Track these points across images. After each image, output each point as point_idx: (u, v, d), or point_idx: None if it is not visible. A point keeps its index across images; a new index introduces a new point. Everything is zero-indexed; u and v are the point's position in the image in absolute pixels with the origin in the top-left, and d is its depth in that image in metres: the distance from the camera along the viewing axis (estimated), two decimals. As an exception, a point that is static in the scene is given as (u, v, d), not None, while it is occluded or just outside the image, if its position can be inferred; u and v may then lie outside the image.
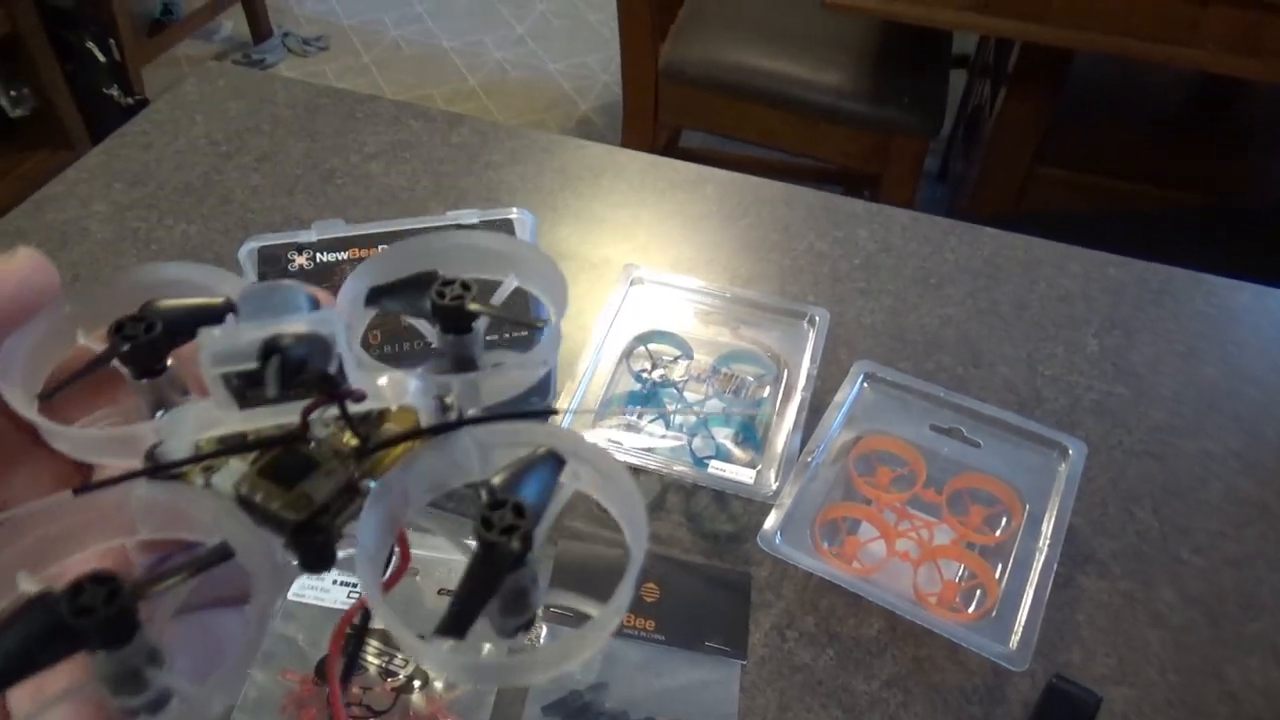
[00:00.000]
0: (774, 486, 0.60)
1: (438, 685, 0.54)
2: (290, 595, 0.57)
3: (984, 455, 0.63)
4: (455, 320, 0.21)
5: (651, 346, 0.70)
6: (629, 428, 0.65)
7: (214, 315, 0.20)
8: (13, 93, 1.93)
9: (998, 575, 0.58)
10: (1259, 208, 1.65)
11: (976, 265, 0.80)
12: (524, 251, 0.23)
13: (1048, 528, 0.59)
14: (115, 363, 0.20)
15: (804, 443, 0.63)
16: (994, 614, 0.56)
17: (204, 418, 0.19)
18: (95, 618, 0.15)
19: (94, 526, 0.18)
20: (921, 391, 0.66)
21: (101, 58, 2.02)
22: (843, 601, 0.59)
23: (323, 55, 2.60)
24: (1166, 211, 1.60)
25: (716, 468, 0.62)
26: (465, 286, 0.21)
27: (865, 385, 0.67)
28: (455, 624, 0.16)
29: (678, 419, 0.65)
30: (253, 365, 0.18)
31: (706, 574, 0.60)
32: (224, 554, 0.17)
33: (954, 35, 1.74)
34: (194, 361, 0.18)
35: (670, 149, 1.86)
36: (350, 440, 0.19)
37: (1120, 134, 1.80)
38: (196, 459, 0.19)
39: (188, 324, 0.19)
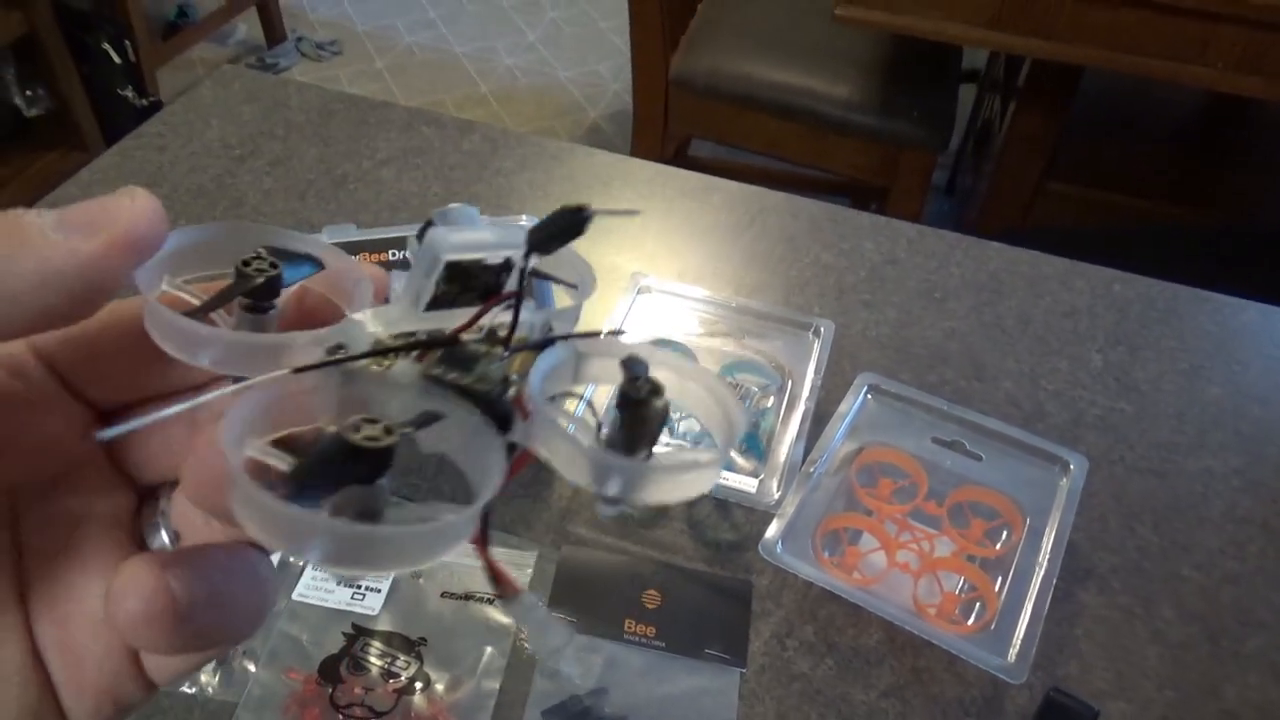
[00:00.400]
0: (776, 496, 0.61)
1: (439, 687, 0.55)
2: (295, 595, 0.58)
3: (985, 468, 0.64)
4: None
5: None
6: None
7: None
8: (28, 93, 1.95)
9: (997, 588, 0.58)
10: (1269, 228, 1.65)
11: (982, 279, 0.80)
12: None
13: (1048, 542, 0.59)
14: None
15: (807, 453, 0.63)
16: (993, 626, 0.56)
17: (381, 318, 0.22)
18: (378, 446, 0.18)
19: (301, 407, 0.20)
20: (924, 404, 0.66)
21: (117, 59, 2.04)
22: (842, 611, 0.59)
23: (336, 60, 2.62)
24: (1176, 229, 1.60)
25: (719, 476, 0.63)
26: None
27: (868, 397, 0.67)
28: (627, 448, 0.21)
29: (681, 427, 0.66)
30: (486, 257, 0.21)
31: (708, 582, 0.60)
32: (435, 416, 0.20)
33: (964, 50, 1.75)
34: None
35: (679, 158, 1.87)
36: (493, 346, 0.22)
37: (1130, 151, 1.80)
38: (404, 346, 0.21)
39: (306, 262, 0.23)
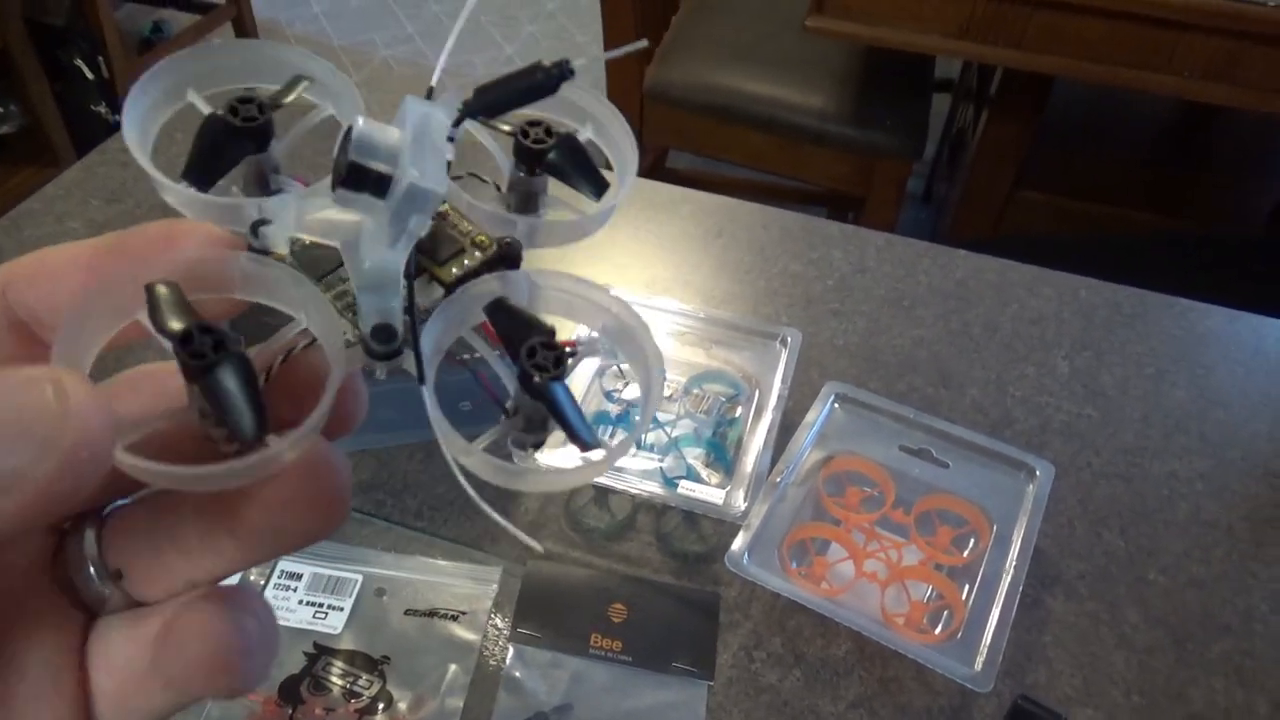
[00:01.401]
0: (743, 507, 0.60)
1: (401, 706, 0.54)
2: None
3: (953, 476, 0.64)
4: (532, 161, 0.22)
5: (624, 366, 0.70)
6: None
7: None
8: (0, 110, 1.94)
9: (965, 596, 0.58)
10: (1239, 236, 1.67)
11: (949, 287, 0.81)
12: (604, 111, 0.25)
13: (1015, 549, 0.59)
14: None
15: (774, 463, 0.63)
16: (960, 635, 0.56)
17: (307, 204, 0.21)
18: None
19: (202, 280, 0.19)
20: (891, 412, 0.66)
21: (90, 75, 2.03)
22: (810, 622, 0.59)
23: (312, 74, 2.61)
24: (1146, 237, 1.61)
25: (686, 488, 0.63)
26: (549, 133, 0.22)
27: (836, 406, 0.67)
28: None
29: (649, 439, 0.66)
30: (384, 168, 0.19)
31: (675, 594, 0.60)
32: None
33: (937, 59, 1.76)
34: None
35: (657, 169, 1.87)
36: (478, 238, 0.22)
37: (1100, 159, 1.82)
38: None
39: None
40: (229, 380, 0.17)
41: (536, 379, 0.20)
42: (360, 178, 0.19)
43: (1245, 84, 1.26)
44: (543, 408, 0.20)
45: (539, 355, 0.20)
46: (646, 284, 0.79)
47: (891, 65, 1.65)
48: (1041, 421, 0.71)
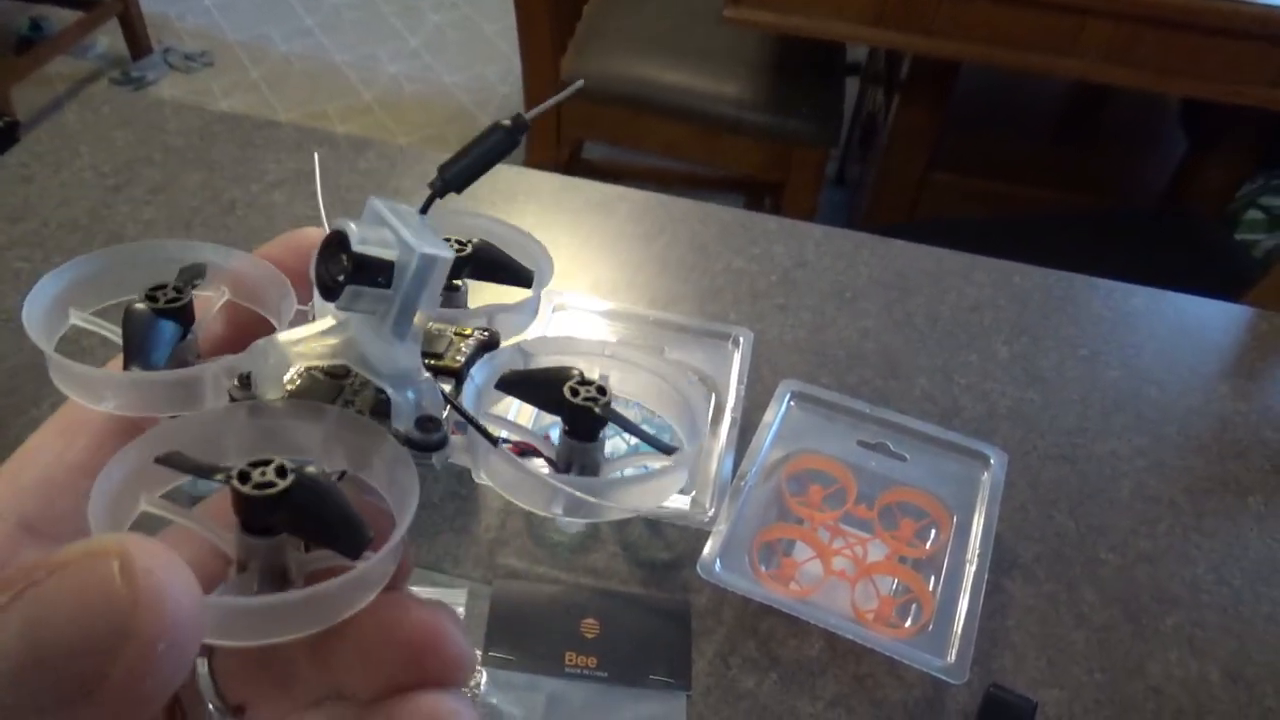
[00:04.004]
0: (710, 512, 0.60)
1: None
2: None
3: (911, 468, 0.65)
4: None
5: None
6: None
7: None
8: None
9: (931, 588, 0.59)
10: (1137, 209, 1.74)
11: (889, 278, 0.82)
12: (510, 234, 0.26)
13: (975, 538, 0.61)
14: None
15: (736, 465, 0.63)
16: (930, 628, 0.57)
17: (293, 335, 0.20)
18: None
19: (208, 447, 0.19)
20: (847, 408, 0.67)
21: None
22: (782, 624, 0.59)
23: (208, 72, 2.50)
24: (1055, 215, 1.67)
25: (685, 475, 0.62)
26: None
27: (792, 404, 0.67)
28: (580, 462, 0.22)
29: (608, 447, 0.65)
30: (388, 254, 0.19)
31: (646, 605, 0.59)
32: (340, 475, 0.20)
33: (847, 45, 1.79)
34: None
35: (573, 161, 1.85)
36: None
37: (1008, 140, 1.87)
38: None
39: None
40: (319, 500, 0.17)
41: (598, 409, 0.21)
42: (367, 269, 0.18)
43: (1143, 65, 1.31)
44: (593, 449, 0.22)
45: (583, 392, 0.21)
46: (591, 287, 0.78)
47: (804, 53, 1.67)
48: (988, 408, 0.72)
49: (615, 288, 0.78)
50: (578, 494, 0.20)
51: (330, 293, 0.19)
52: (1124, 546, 0.65)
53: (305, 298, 0.22)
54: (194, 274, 0.21)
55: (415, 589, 0.58)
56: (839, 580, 0.60)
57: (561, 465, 0.21)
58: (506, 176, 0.87)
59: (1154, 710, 0.57)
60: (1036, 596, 0.62)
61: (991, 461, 0.64)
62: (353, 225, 0.19)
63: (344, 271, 0.18)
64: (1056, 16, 1.28)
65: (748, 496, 0.62)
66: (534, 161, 1.68)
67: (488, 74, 2.57)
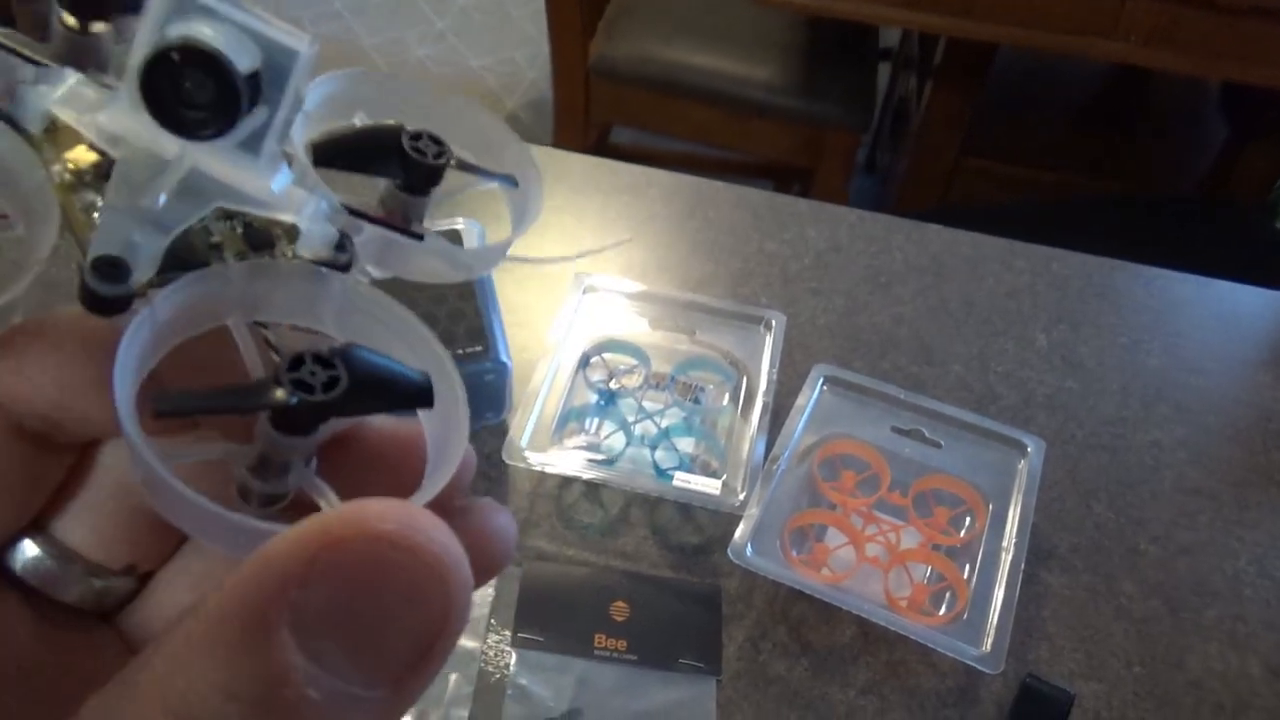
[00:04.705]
0: (741, 496, 0.59)
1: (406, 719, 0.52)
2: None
3: (945, 455, 0.63)
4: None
5: (607, 356, 0.68)
6: (589, 442, 0.63)
7: None
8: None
9: (966, 576, 0.58)
10: (1177, 196, 1.71)
11: (924, 263, 0.80)
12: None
13: (1012, 526, 0.60)
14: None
15: (768, 449, 0.62)
16: (965, 616, 0.56)
17: (84, 97, 0.15)
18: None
19: (195, 318, 0.16)
20: (880, 393, 0.66)
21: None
22: (814, 610, 0.58)
23: (236, 54, 2.51)
24: (1090, 201, 1.64)
25: (681, 479, 0.61)
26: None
27: (825, 388, 0.66)
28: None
29: (638, 430, 0.64)
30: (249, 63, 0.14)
31: (676, 589, 0.59)
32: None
33: (879, 29, 1.76)
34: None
35: (600, 146, 1.84)
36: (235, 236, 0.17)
37: (1043, 125, 1.84)
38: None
39: None
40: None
41: (441, 160, 0.18)
42: (239, 87, 0.14)
43: (1185, 49, 1.28)
44: (424, 202, 0.18)
45: (426, 149, 0.18)
46: (623, 269, 0.77)
47: (836, 36, 1.65)
48: (1025, 396, 0.71)
49: (645, 269, 0.77)
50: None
51: (192, 127, 0.14)
52: (1164, 538, 0.63)
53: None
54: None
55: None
56: (872, 567, 0.59)
57: (398, 221, 0.18)
58: (536, 157, 0.87)
59: (1193, 704, 0.56)
60: (1074, 587, 0.61)
61: (1029, 450, 0.63)
62: (204, 29, 0.14)
63: (210, 94, 0.14)
64: (1098, -3, 1.25)
65: (779, 481, 0.61)
66: (560, 146, 1.67)
67: (516, 58, 2.56)
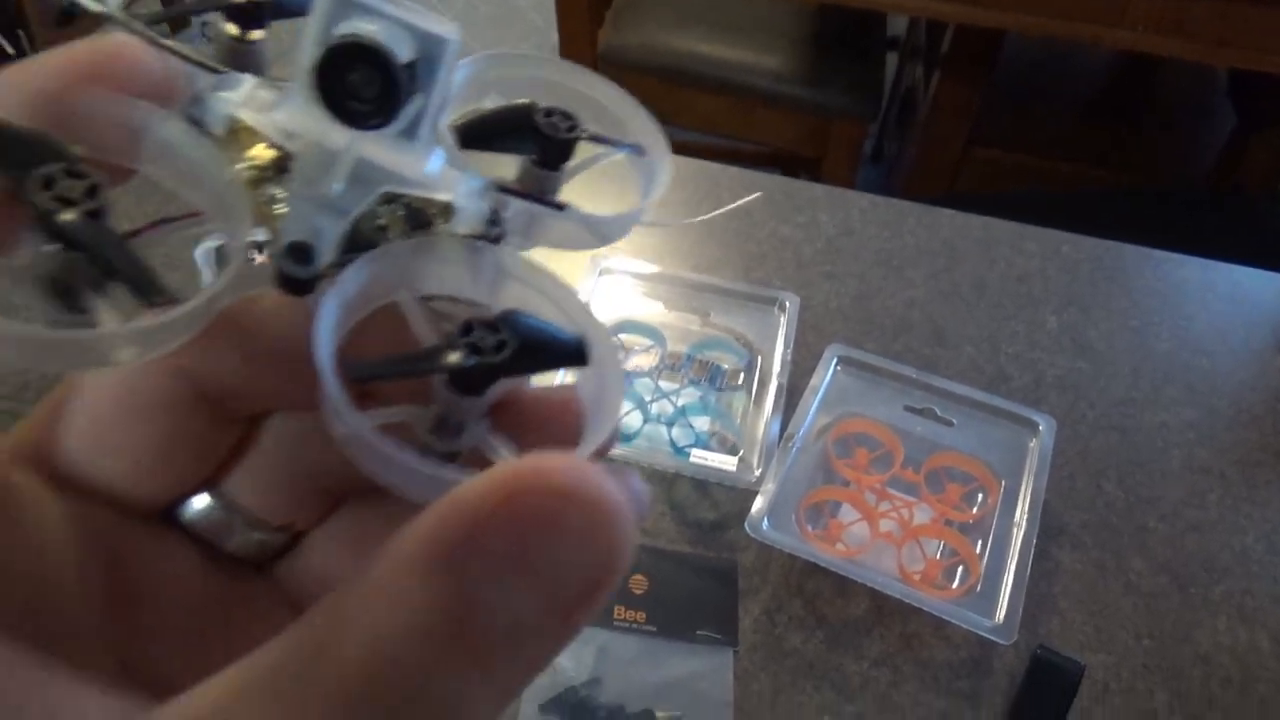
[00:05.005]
0: (757, 473, 0.60)
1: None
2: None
3: (957, 434, 0.64)
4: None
5: (624, 336, 0.69)
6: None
7: None
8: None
9: (978, 551, 0.59)
10: (1185, 188, 1.71)
11: (935, 247, 0.81)
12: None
13: (1024, 503, 0.61)
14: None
15: (783, 428, 0.63)
16: (978, 589, 0.57)
17: (260, 98, 0.16)
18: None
19: (372, 294, 0.17)
20: (893, 373, 0.67)
21: (10, 50, 1.93)
22: (828, 584, 0.59)
23: (244, 44, 2.51)
24: (1098, 192, 1.65)
25: (698, 456, 0.62)
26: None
27: (838, 368, 0.67)
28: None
29: (654, 409, 0.65)
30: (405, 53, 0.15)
31: (693, 563, 0.60)
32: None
33: (887, 18, 1.76)
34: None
35: (609, 136, 1.85)
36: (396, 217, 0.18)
37: (1050, 114, 1.84)
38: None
39: None
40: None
41: (572, 133, 0.19)
42: (401, 77, 0.15)
43: (1194, 36, 1.28)
44: (558, 177, 0.19)
45: (559, 124, 0.19)
46: (636, 250, 0.78)
47: (843, 25, 1.65)
48: (1035, 377, 0.72)
49: (660, 253, 0.78)
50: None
51: (360, 118, 0.15)
52: (1173, 516, 0.64)
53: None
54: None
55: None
56: (885, 542, 0.60)
57: (534, 194, 0.19)
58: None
59: (1202, 677, 0.57)
60: (1084, 563, 0.61)
61: (1040, 428, 0.64)
62: (366, 26, 0.15)
63: (376, 87, 0.15)
64: (1105, -14, 1.26)
65: (795, 459, 0.62)
66: (571, 134, 1.67)
67: (522, 48, 2.57)
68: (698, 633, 0.57)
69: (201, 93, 0.16)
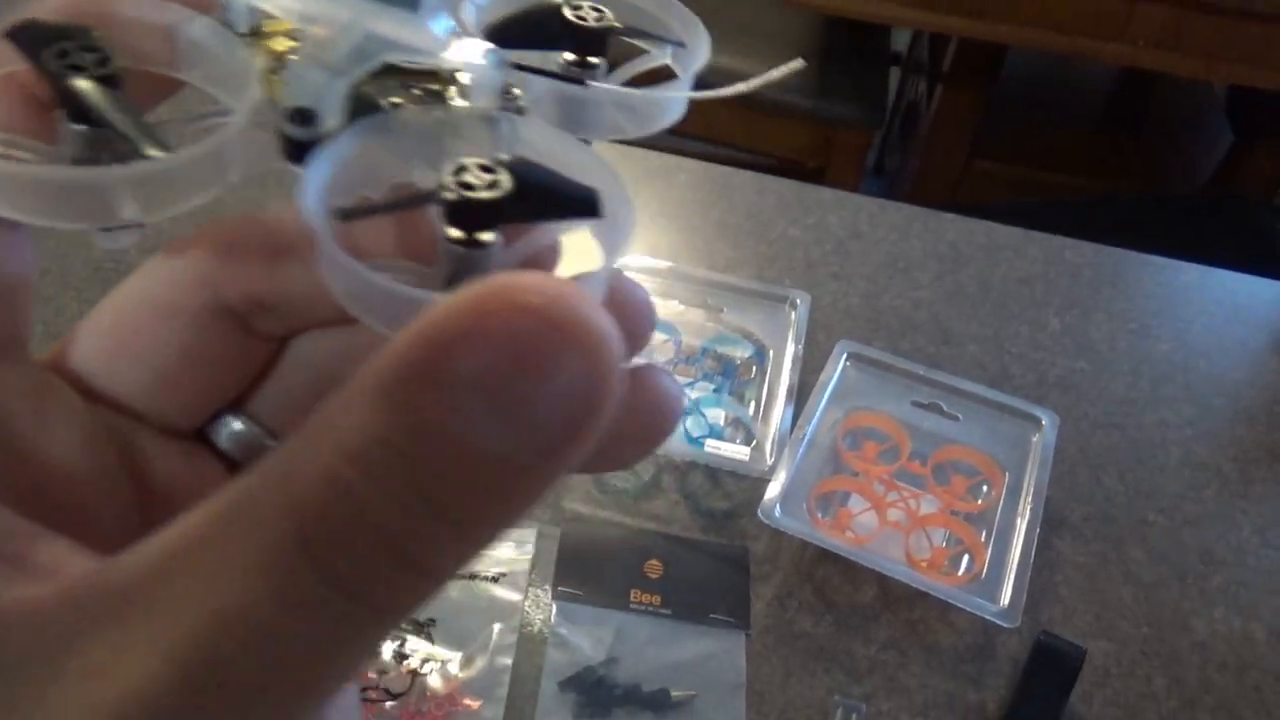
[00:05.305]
0: (769, 463, 0.62)
1: (451, 666, 0.55)
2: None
3: (963, 428, 0.66)
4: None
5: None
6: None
7: None
8: None
9: (983, 540, 0.61)
10: (1183, 196, 1.74)
11: (942, 250, 0.83)
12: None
13: (1027, 494, 0.63)
14: None
15: (795, 420, 0.65)
16: (983, 576, 0.59)
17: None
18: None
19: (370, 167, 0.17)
20: (902, 369, 0.69)
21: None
22: (837, 570, 0.61)
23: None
24: (1097, 201, 1.67)
25: (712, 445, 0.64)
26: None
27: (848, 364, 0.69)
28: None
29: (710, 416, 0.67)
30: None
31: (706, 550, 0.62)
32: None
33: (891, 33, 1.79)
34: None
35: (610, 145, 1.87)
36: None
37: (1050, 127, 1.87)
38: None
39: None
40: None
41: (606, 22, 0.18)
42: None
43: (1192, 52, 1.31)
44: (599, 69, 0.18)
45: (587, 14, 0.18)
46: (651, 249, 0.80)
47: (848, 37, 1.68)
48: (1038, 376, 0.74)
49: (674, 251, 0.80)
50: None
51: None
52: (1172, 510, 0.66)
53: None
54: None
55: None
56: (893, 531, 0.62)
57: (553, 71, 0.19)
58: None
59: (1199, 663, 0.59)
60: (1085, 554, 0.63)
61: (1043, 423, 0.66)
62: None
63: None
64: (1106, 0, 1.29)
65: (805, 451, 0.64)
66: (579, 141, 1.69)
67: (530, 56, 2.59)
68: (711, 616, 0.58)
69: None
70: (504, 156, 0.15)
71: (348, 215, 0.15)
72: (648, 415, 0.17)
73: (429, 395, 0.12)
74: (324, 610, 0.12)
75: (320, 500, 0.12)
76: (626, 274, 0.18)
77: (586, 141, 0.19)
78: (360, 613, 0.12)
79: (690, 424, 0.66)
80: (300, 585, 0.12)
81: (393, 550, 0.12)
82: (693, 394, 0.68)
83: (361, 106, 0.16)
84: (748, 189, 0.87)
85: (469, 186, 0.14)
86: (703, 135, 1.76)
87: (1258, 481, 0.68)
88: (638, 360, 0.18)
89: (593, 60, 0.19)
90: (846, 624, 0.59)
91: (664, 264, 0.74)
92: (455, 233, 0.15)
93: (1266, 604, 0.62)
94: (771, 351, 0.71)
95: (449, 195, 0.14)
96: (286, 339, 0.19)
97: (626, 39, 0.19)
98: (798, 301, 0.72)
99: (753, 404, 0.68)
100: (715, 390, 0.68)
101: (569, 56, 0.19)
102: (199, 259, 0.18)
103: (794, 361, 0.69)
